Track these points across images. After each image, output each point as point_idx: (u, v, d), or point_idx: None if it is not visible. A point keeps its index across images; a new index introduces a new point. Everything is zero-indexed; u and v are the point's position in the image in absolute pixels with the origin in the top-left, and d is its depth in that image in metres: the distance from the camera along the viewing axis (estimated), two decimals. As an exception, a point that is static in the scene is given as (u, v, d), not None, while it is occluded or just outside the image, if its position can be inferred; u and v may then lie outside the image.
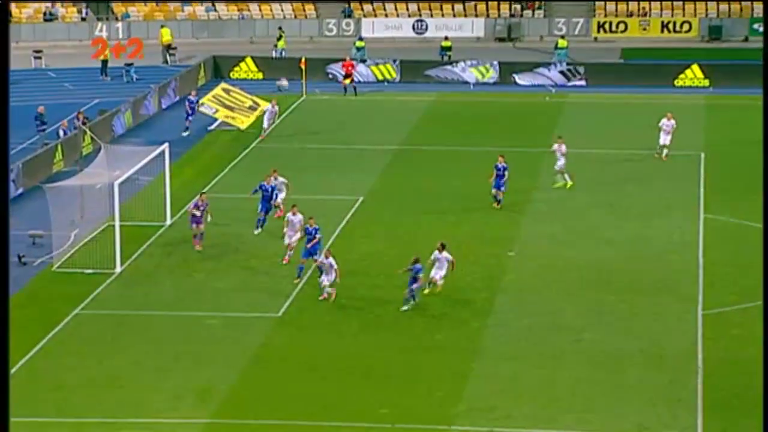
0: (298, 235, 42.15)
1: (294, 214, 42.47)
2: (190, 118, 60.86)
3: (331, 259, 39.34)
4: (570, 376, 34.87)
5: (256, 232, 45.31)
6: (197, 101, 61.26)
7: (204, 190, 46.47)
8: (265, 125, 60.31)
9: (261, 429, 31.96)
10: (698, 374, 34.80)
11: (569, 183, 51.30)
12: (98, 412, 32.85)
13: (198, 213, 44.17)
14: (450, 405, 33.06)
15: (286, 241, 42.72)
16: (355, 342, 36.95)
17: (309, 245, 41.21)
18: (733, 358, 35.96)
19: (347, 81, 69.50)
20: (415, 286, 38.75)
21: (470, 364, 35.53)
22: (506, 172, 48.13)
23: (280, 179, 47.11)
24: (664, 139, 55.22)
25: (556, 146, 51.40)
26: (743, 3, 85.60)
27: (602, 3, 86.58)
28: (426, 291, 39.60)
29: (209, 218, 44.32)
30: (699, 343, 36.80)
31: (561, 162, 51.10)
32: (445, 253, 39.43)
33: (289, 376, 34.79)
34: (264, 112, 60.63)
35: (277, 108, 60.93)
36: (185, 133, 59.89)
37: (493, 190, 48.28)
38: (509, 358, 35.96)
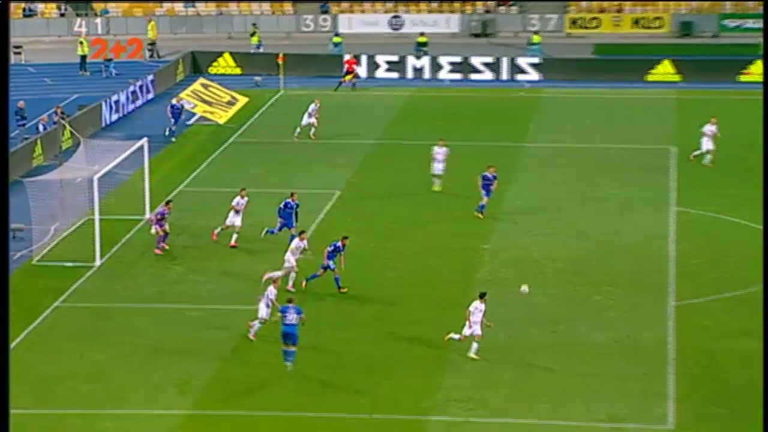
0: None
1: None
2: (175, 124, 59.24)
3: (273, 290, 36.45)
4: (545, 367, 34.90)
5: (262, 234, 43.99)
6: (181, 107, 59.90)
7: (170, 199, 45.88)
8: (304, 122, 57.99)
9: (240, 419, 31.91)
10: (670, 365, 34.87)
11: (438, 188, 49.60)
12: (79, 404, 32.78)
13: (161, 218, 43.54)
14: (427, 396, 33.06)
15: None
16: (333, 334, 36.89)
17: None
18: (704, 348, 36.04)
19: (348, 77, 69.18)
20: (287, 329, 34.18)
21: (446, 355, 35.53)
22: (495, 182, 46.45)
23: (245, 199, 44.46)
24: (707, 144, 53.71)
25: (437, 148, 49.60)
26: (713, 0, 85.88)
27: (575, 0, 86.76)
28: (473, 353, 35.14)
29: (167, 227, 43.65)
30: (671, 334, 36.89)
31: (440, 166, 49.25)
32: (483, 304, 35.28)
33: (268, 367, 34.69)
34: (307, 112, 57.89)
35: (318, 105, 57.97)
36: (167, 135, 58.79)
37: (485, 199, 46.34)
38: (485, 349, 35.93)
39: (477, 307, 35.21)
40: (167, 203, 44.41)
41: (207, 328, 37.69)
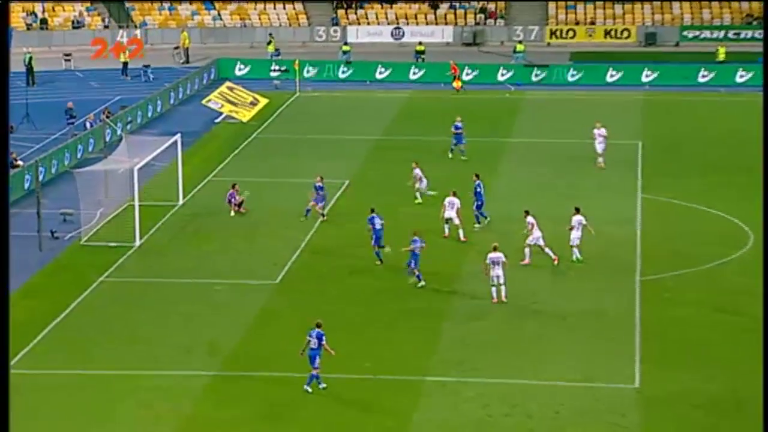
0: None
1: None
2: (457, 143, 53.43)
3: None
4: (526, 333, 34.89)
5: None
6: (461, 127, 53.52)
7: (233, 182, 46.37)
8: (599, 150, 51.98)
9: (260, 380, 31.91)
10: (636, 332, 34.84)
11: (433, 192, 46.22)
12: (120, 365, 32.80)
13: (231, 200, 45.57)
14: (424, 359, 33.03)
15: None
16: (341, 306, 36.85)
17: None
18: (666, 317, 36.02)
19: (459, 83, 68.11)
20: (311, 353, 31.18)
21: (441, 324, 35.50)
22: (481, 190, 43.94)
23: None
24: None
25: (416, 171, 46.66)
26: (674, 13, 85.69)
27: (554, 13, 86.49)
28: None
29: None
30: (637, 305, 36.84)
31: (423, 183, 46.61)
32: None
33: (285, 334, 34.66)
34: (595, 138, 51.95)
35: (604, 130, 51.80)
36: (455, 152, 53.22)
37: (474, 211, 43.86)
38: (475, 318, 35.95)
39: None
40: (233, 186, 45.67)
41: (232, 300, 37.67)
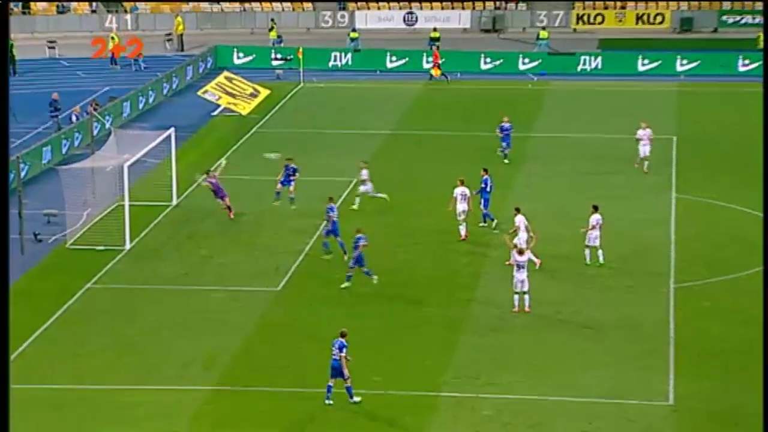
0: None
1: None
2: (507, 145, 52.63)
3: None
4: (550, 345, 34.94)
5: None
6: (510, 127, 52.46)
7: (207, 169, 46.70)
8: (644, 153, 50.99)
9: (263, 395, 32.00)
10: (670, 344, 34.85)
11: (356, 206, 45.97)
12: (111, 379, 32.91)
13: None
14: (438, 373, 33.10)
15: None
16: (349, 314, 36.91)
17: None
18: (703, 328, 36.04)
19: (438, 72, 68.52)
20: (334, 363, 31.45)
21: (457, 335, 35.56)
22: (488, 186, 43.92)
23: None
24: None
25: (364, 172, 46.61)
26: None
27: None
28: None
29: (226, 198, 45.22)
30: (671, 314, 36.86)
31: (367, 186, 46.37)
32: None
33: (288, 345, 34.84)
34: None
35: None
36: (501, 155, 52.46)
37: (481, 209, 44.05)
38: (494, 329, 36.00)
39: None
40: (207, 172, 45.82)
41: (231, 308, 37.80)
